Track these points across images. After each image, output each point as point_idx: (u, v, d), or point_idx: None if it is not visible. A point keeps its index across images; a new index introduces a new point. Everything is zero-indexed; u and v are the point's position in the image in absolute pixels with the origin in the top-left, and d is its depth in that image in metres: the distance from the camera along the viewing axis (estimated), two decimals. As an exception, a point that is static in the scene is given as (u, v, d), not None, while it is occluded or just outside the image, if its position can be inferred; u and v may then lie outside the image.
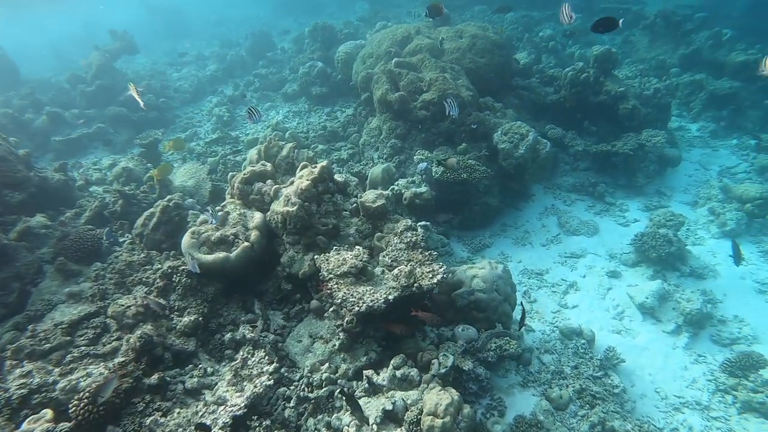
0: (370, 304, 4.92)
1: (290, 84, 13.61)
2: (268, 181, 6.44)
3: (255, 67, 15.73)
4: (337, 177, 6.83)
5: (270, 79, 14.14)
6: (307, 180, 5.99)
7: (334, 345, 5.44)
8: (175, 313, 5.60)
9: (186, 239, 5.73)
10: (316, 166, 6.24)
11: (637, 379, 6.45)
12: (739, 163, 11.01)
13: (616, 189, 10.17)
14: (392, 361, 5.05)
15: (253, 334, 5.57)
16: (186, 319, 5.44)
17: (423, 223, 7.69)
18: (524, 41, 14.63)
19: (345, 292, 5.06)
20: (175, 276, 5.67)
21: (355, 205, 6.52)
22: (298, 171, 6.39)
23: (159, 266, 6.08)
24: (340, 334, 5.42)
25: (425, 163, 7.94)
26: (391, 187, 8.00)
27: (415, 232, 6.01)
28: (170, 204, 6.57)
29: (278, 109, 12.93)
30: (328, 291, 5.14)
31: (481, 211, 8.86)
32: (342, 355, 5.40)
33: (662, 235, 7.93)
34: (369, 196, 6.37)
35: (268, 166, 6.62)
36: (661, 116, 10.87)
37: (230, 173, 6.63)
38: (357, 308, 4.92)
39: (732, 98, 11.86)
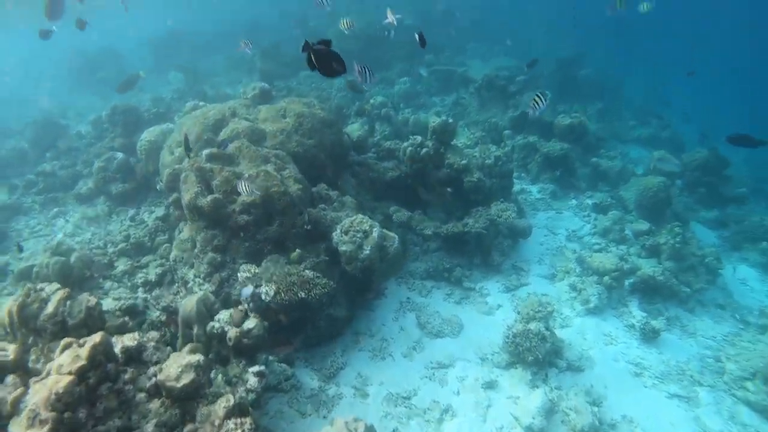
0: None
1: (85, 181, 11.09)
2: (9, 379, 4.28)
3: (42, 160, 12.86)
4: (126, 341, 4.87)
5: (59, 176, 11.39)
6: (69, 375, 3.99)
7: None
8: None
9: None
10: (84, 345, 4.26)
11: None
12: (582, 225, 10.97)
13: (472, 269, 9.34)
14: None
15: None
16: None
17: (257, 368, 5.94)
18: (355, 109, 13.77)
19: None
20: None
21: (155, 379, 4.63)
22: (56, 354, 4.33)
23: None
24: None
25: (250, 288, 6.27)
26: (211, 324, 6.17)
27: (242, 419, 4.26)
28: None
29: (68, 216, 10.26)
30: None
31: (327, 325, 7.37)
32: None
33: (535, 333, 7.05)
34: (171, 371, 4.51)
35: (9, 352, 4.45)
36: (505, 184, 10.44)
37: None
38: None
39: (564, 159, 11.96)
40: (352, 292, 7.85)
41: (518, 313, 7.98)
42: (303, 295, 6.58)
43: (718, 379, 7.44)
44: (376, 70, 17.63)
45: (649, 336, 8.04)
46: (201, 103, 10.87)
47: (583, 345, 7.94)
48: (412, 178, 9.84)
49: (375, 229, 7.33)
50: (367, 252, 7.14)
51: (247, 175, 7.39)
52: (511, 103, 14.52)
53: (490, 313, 8.48)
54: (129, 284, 7.69)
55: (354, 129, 11.41)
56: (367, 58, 19.40)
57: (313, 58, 4.12)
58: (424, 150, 9.54)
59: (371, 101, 13.45)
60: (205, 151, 7.81)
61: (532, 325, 7.27)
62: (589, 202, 11.85)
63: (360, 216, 7.55)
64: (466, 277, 9.05)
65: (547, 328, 7.35)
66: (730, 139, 7.60)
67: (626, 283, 9.09)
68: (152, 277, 7.72)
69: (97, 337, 4.30)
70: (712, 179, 12.68)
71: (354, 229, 7.33)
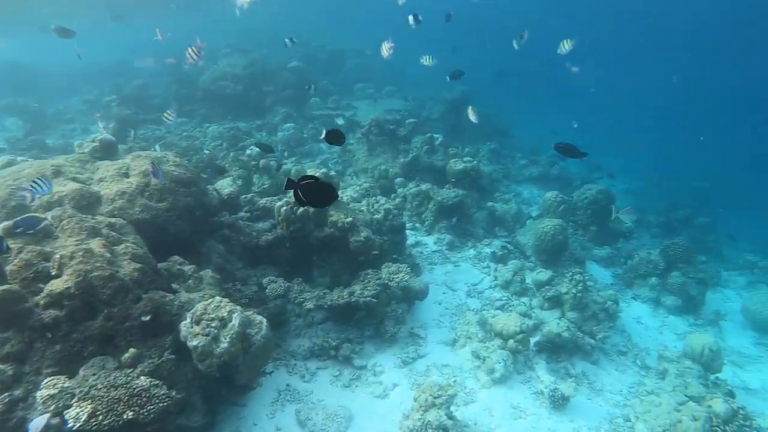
0: None
1: None
2: None
3: None
4: None
5: None
6: None
7: None
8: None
9: None
10: None
11: None
12: (482, 277, 10.12)
13: (364, 342, 8.04)
14: None
15: None
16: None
17: None
18: (230, 161, 12.19)
19: None
20: None
21: None
22: None
23: None
24: None
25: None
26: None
27: None
28: None
29: None
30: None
31: (180, 440, 5.70)
32: None
33: (436, 425, 5.83)
34: None
35: None
36: (397, 239, 9.36)
37: None
38: None
39: (459, 206, 11.18)
40: (211, 390, 6.21)
41: (415, 400, 6.71)
42: (131, 414, 4.87)
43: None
44: (257, 116, 16.19)
45: (559, 404, 7.25)
46: (20, 158, 8.78)
47: (491, 423, 6.93)
48: (290, 242, 8.44)
49: (235, 314, 5.81)
50: (225, 345, 5.59)
51: (59, 256, 5.62)
52: (402, 148, 13.67)
53: (385, 396, 7.20)
54: None
55: (225, 184, 9.85)
56: (247, 101, 18.04)
57: (301, 194, 3.99)
58: (302, 209, 8.20)
59: (248, 152, 11.98)
60: (2, 224, 5.93)
61: (431, 415, 6.06)
62: (488, 251, 11.14)
63: (216, 299, 5.99)
64: (356, 353, 7.72)
65: (449, 416, 6.19)
66: (556, 148, 7.43)
67: (532, 342, 8.29)
68: None
69: None
70: (603, 215, 12.48)
71: (207, 316, 5.76)
